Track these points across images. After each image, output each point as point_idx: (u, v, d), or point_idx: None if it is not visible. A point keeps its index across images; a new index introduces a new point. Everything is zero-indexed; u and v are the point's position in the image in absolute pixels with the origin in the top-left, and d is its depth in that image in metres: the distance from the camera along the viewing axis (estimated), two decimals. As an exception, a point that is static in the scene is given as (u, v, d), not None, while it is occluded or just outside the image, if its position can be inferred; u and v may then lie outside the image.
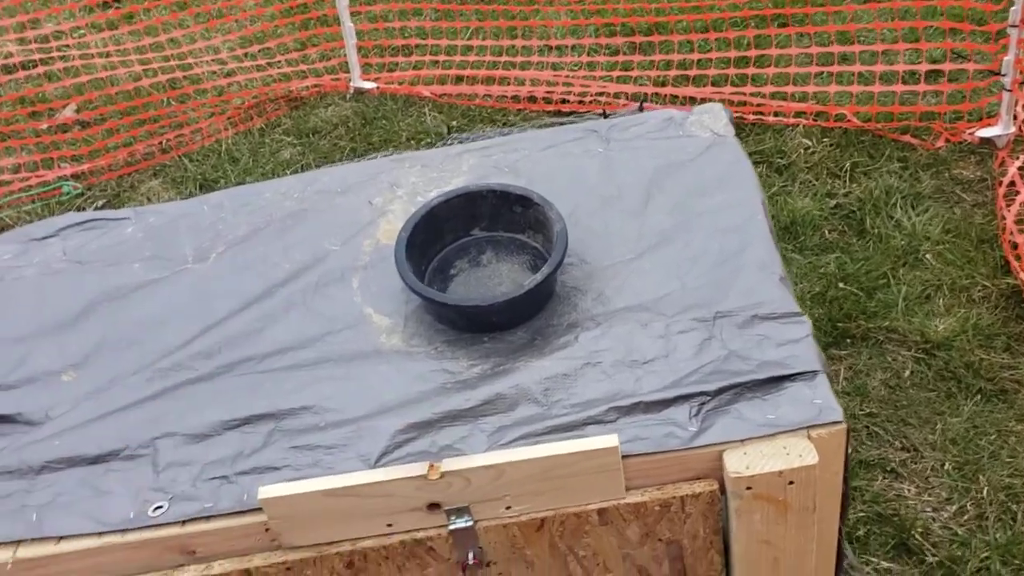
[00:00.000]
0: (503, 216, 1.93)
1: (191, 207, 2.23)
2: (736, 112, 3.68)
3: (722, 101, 3.67)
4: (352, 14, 4.18)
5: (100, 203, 3.91)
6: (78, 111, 4.43)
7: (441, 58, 4.16)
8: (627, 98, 3.78)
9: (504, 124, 3.87)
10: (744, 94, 3.77)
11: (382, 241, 1.98)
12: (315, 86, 4.34)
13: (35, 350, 1.89)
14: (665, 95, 3.84)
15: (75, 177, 4.06)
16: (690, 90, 3.82)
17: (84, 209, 3.90)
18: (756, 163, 3.50)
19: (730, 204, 1.91)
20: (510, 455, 1.50)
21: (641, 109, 3.11)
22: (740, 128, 3.62)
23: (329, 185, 2.18)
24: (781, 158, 3.54)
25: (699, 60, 3.90)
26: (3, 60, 4.45)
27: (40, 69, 4.52)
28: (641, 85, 3.85)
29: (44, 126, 4.32)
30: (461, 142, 2.61)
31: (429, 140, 3.88)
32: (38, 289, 2.02)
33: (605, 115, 3.01)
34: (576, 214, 1.96)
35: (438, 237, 1.92)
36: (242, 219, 2.14)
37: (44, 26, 4.86)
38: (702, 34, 4.01)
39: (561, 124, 2.78)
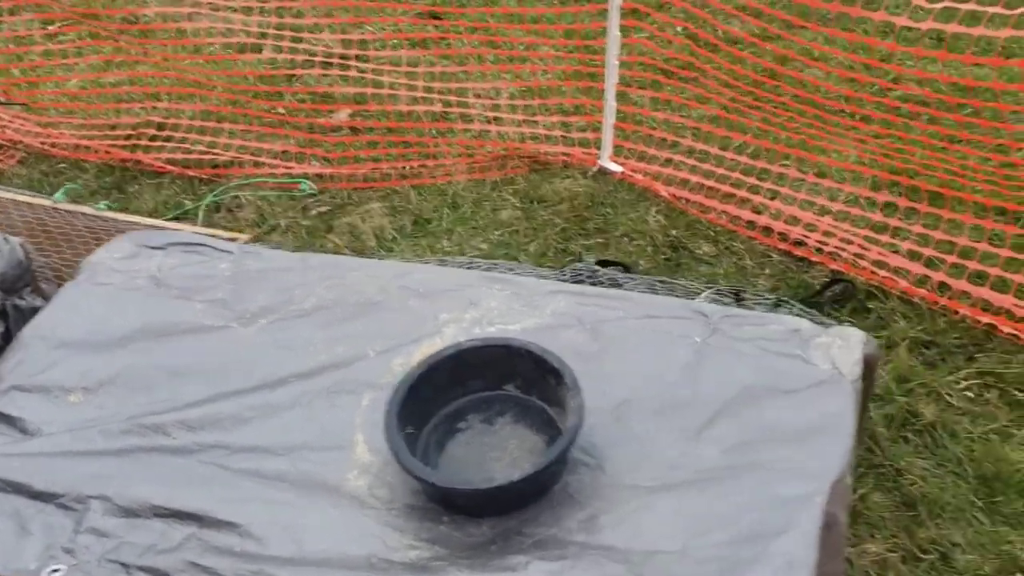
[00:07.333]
0: (538, 382, 1.68)
1: (291, 261, 2.18)
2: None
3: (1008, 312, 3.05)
4: (621, 94, 4.01)
5: (324, 209, 4.05)
6: (352, 116, 4.63)
7: (704, 166, 3.86)
8: (887, 271, 3.21)
9: (727, 249, 3.52)
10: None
11: (413, 364, 1.80)
12: (564, 154, 4.22)
13: (65, 361, 1.90)
14: (937, 283, 3.17)
15: (319, 177, 4.23)
16: (968, 286, 3.11)
17: (310, 210, 4.05)
18: (991, 386, 2.91)
19: (801, 467, 1.53)
20: None
21: (739, 301, 2.54)
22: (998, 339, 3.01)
23: (414, 283, 2.04)
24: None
25: (985, 253, 3.16)
26: (311, 57, 4.74)
27: (337, 72, 4.78)
28: (914, 261, 3.19)
29: (319, 123, 4.56)
30: (579, 277, 2.35)
31: (641, 243, 3.62)
32: (111, 302, 2.05)
33: (739, 298, 2.59)
34: (626, 408, 1.67)
35: (462, 380, 1.71)
36: (320, 290, 2.05)
37: (366, 30, 5.14)
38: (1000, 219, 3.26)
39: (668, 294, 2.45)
